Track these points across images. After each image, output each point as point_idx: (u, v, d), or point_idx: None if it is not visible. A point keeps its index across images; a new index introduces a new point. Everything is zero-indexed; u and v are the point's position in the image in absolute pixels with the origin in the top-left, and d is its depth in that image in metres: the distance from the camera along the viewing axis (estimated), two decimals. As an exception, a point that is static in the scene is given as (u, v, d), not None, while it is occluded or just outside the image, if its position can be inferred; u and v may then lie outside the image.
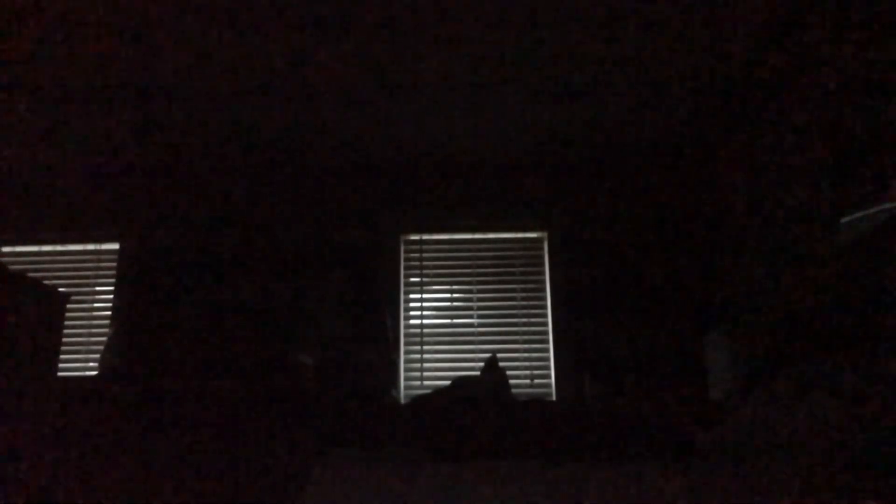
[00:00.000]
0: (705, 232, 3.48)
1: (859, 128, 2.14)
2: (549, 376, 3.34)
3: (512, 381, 3.33)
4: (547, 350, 3.37)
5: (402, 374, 3.37)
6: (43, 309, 2.06)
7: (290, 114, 3.16)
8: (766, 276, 2.88)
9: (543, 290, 3.46)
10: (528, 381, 3.33)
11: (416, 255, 3.56)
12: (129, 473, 1.56)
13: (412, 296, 3.50)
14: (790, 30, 2.53)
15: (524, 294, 3.46)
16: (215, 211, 3.61)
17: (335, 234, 3.55)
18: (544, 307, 3.43)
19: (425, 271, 3.53)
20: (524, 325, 3.42)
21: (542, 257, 3.52)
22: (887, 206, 1.85)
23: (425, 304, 3.48)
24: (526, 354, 3.38)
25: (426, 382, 3.35)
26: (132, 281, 3.51)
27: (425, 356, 3.39)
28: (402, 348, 3.40)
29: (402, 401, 3.33)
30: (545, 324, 3.41)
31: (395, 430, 1.70)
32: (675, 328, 3.34)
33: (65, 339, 3.37)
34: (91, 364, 3.45)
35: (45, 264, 3.63)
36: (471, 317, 3.45)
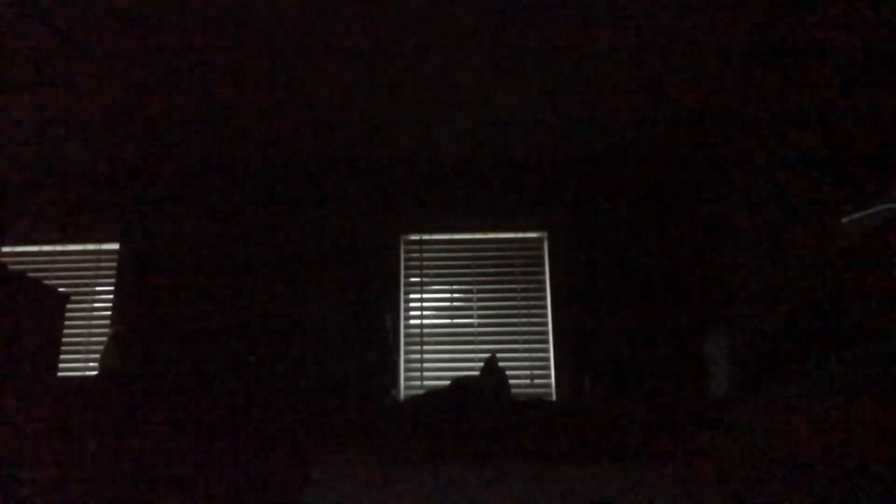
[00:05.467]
0: (705, 232, 3.48)
1: (859, 128, 2.14)
2: (549, 376, 3.34)
3: (512, 381, 3.33)
4: (547, 350, 3.37)
5: (402, 374, 3.36)
6: (43, 309, 2.06)
7: (289, 114, 3.16)
8: (766, 276, 2.88)
9: (543, 290, 3.46)
10: (528, 381, 3.33)
11: (416, 255, 3.56)
12: (129, 473, 1.56)
13: (412, 296, 3.50)
14: (790, 29, 2.53)
15: (524, 294, 3.46)
16: (215, 211, 3.61)
17: (335, 234, 3.55)
18: (544, 307, 3.43)
19: (425, 271, 3.53)
20: (524, 325, 3.42)
21: (542, 257, 3.52)
22: (887, 206, 1.85)
23: (425, 304, 3.48)
24: (526, 354, 3.38)
25: (426, 382, 3.35)
26: (132, 281, 3.51)
27: (425, 356, 3.39)
28: (402, 348, 3.40)
29: (402, 401, 3.33)
30: (545, 324, 3.41)
31: (395, 430, 1.70)
32: (676, 328, 3.34)
33: (65, 339, 3.37)
34: (91, 364, 3.45)
35: (45, 264, 3.63)
36: (471, 317, 3.45)
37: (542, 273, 3.49)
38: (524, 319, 3.43)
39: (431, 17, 2.49)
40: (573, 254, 3.47)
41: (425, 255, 3.56)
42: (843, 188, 2.21)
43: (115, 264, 3.59)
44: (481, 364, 3.39)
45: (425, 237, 3.58)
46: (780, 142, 2.77)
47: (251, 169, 3.67)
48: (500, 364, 3.36)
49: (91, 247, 3.65)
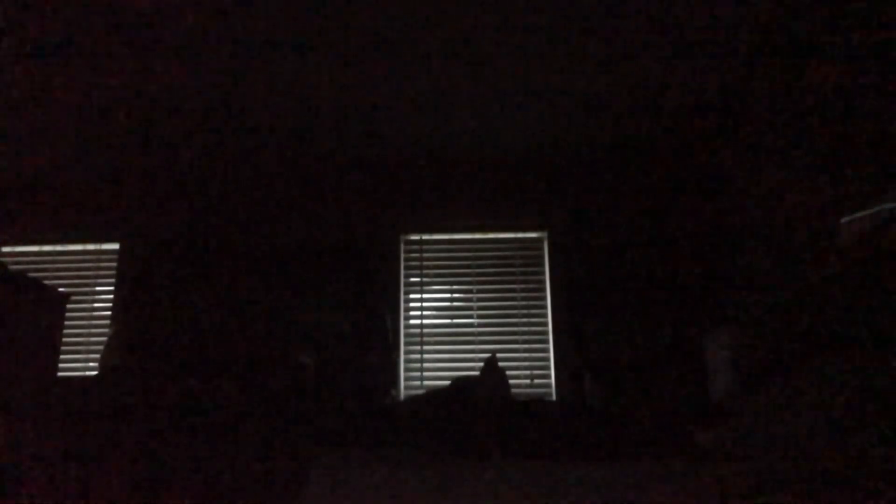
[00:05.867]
0: (706, 232, 3.48)
1: (859, 128, 2.14)
2: (549, 376, 3.34)
3: (512, 381, 3.33)
4: (547, 350, 3.37)
5: (402, 374, 3.36)
6: (43, 309, 2.06)
7: (289, 114, 3.16)
8: (767, 276, 2.89)
9: (543, 290, 3.46)
10: (528, 381, 3.33)
11: (416, 255, 3.56)
12: (128, 474, 1.56)
13: (412, 296, 3.50)
14: (791, 30, 2.53)
15: (524, 294, 3.46)
16: (215, 211, 3.61)
17: (335, 234, 3.55)
18: (544, 307, 3.43)
19: (425, 271, 3.53)
20: (524, 325, 3.42)
21: (542, 257, 3.52)
22: (887, 206, 1.85)
23: (425, 304, 3.48)
24: (526, 354, 3.38)
25: (426, 382, 3.35)
26: (132, 281, 3.51)
27: (425, 356, 3.39)
28: (402, 348, 3.40)
29: (402, 401, 3.33)
30: (545, 324, 3.41)
31: (395, 430, 1.70)
32: (676, 328, 3.34)
33: (65, 339, 3.37)
34: (91, 364, 3.45)
35: (45, 264, 3.62)
36: (471, 317, 3.45)
37: (542, 273, 3.49)
38: (524, 319, 3.43)
39: (433, 17, 2.49)
40: (573, 254, 3.47)
41: (425, 255, 3.56)
42: (843, 188, 2.21)
43: (115, 264, 3.59)
44: (481, 364, 3.39)
45: (425, 237, 3.58)
46: (781, 142, 2.77)
47: (251, 169, 3.67)
48: (500, 364, 3.35)
49: (91, 247, 3.65)
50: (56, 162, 3.59)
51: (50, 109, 3.08)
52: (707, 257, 3.44)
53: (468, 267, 3.52)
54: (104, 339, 3.46)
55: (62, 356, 3.35)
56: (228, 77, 2.85)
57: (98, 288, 3.57)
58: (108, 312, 3.51)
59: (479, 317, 3.44)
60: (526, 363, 3.36)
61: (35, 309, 2.02)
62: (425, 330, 3.44)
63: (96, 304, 3.54)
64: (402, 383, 3.35)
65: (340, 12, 2.46)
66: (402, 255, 3.55)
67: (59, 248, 3.65)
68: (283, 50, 2.67)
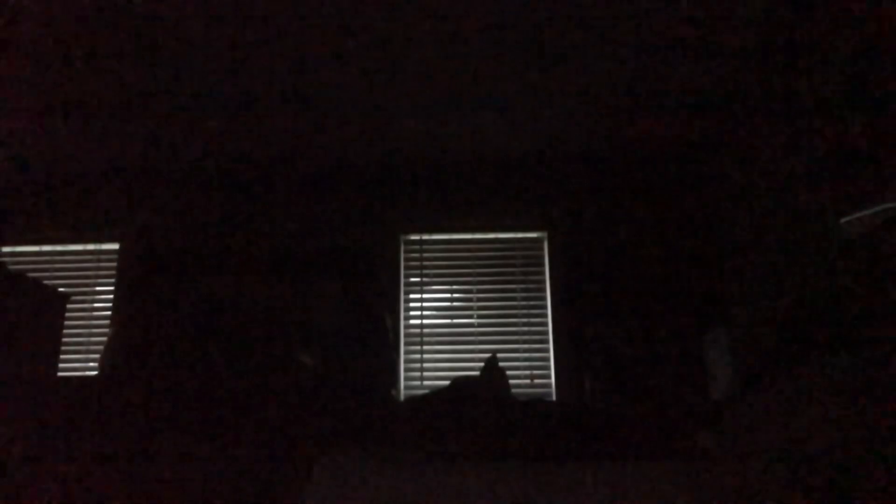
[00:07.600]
0: (705, 231, 3.48)
1: (859, 128, 2.14)
2: (549, 376, 3.34)
3: (512, 381, 3.33)
4: (547, 350, 3.37)
5: (402, 374, 3.36)
6: (43, 309, 2.06)
7: (290, 114, 3.16)
8: (766, 276, 2.88)
9: (543, 290, 3.46)
10: (528, 381, 3.33)
11: (416, 255, 3.56)
12: (128, 474, 1.56)
13: (412, 296, 3.50)
14: (790, 31, 2.53)
15: (524, 294, 3.46)
16: (215, 211, 3.61)
17: (335, 234, 3.55)
18: (544, 307, 3.43)
19: (425, 271, 3.53)
20: (524, 325, 3.42)
21: (542, 257, 3.52)
22: (887, 206, 1.85)
23: (425, 304, 3.48)
24: (526, 354, 3.38)
25: (426, 382, 3.35)
26: (132, 281, 3.51)
27: (425, 356, 3.39)
28: (402, 348, 3.40)
29: (402, 401, 3.33)
30: (545, 324, 3.41)
31: (395, 430, 1.70)
32: (675, 328, 3.34)
33: (65, 339, 3.37)
34: (91, 364, 3.45)
35: (45, 264, 3.62)
36: (471, 317, 3.45)
37: (542, 273, 3.49)
38: (524, 319, 3.43)
39: (433, 18, 2.49)
40: (573, 254, 3.47)
41: (425, 255, 3.56)
42: (843, 188, 2.21)
43: (115, 264, 3.59)
44: (481, 364, 3.39)
45: (425, 237, 3.58)
46: (781, 142, 2.77)
47: (252, 168, 3.67)
48: (500, 364, 3.35)
49: (91, 247, 3.65)
50: (56, 162, 3.59)
51: (50, 110, 3.08)
52: (707, 257, 3.44)
53: (468, 267, 3.52)
54: (104, 339, 3.46)
55: (62, 356, 3.35)
56: (229, 77, 2.85)
57: (98, 288, 3.57)
58: (108, 312, 3.51)
59: (479, 317, 3.44)
60: (526, 363, 3.36)
61: (35, 309, 2.02)
62: (425, 330, 3.44)
63: (96, 304, 3.54)
64: (402, 383, 3.35)
65: (341, 13, 2.46)
66: (402, 255, 3.55)
67: (59, 248, 3.65)
68: (285, 49, 2.67)
